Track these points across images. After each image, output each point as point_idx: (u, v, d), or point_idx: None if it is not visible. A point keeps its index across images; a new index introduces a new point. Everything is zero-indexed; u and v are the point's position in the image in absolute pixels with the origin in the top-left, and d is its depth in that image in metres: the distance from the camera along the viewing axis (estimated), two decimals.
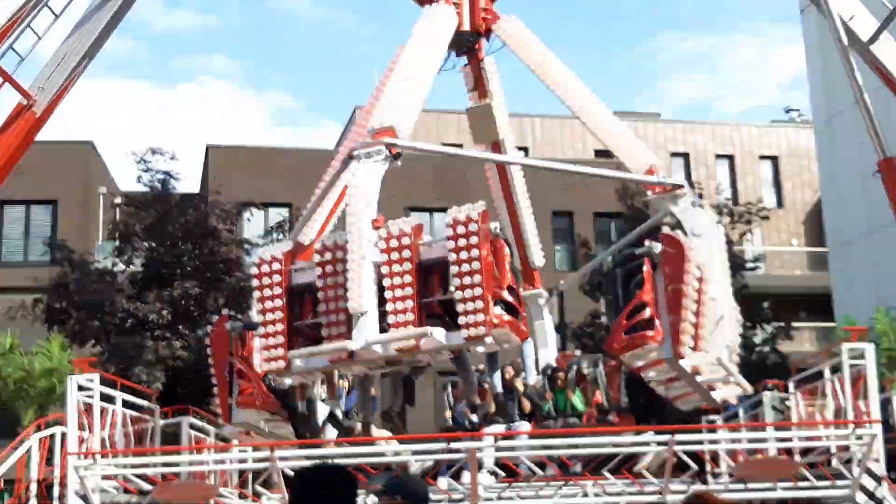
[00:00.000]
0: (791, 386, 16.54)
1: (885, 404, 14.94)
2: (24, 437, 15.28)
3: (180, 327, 25.16)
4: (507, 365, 16.16)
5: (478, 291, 11.72)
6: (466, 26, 16.70)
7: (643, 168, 15.88)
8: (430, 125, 45.16)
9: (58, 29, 17.83)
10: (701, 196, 36.77)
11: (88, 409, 14.26)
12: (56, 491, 14.56)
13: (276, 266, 12.75)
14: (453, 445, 14.24)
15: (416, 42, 15.21)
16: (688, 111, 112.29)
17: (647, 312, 12.93)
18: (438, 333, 11.95)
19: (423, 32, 15.40)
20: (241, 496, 15.80)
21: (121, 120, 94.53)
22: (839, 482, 13.39)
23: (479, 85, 17.58)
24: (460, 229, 11.92)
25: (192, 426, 17.51)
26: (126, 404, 15.53)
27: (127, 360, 23.93)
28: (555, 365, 16.19)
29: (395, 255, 12.03)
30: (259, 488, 15.67)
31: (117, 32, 18.31)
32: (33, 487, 14.88)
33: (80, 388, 14.20)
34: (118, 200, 28.21)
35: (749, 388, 15.03)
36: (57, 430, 15.27)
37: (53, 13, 17.70)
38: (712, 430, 16.15)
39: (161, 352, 24.39)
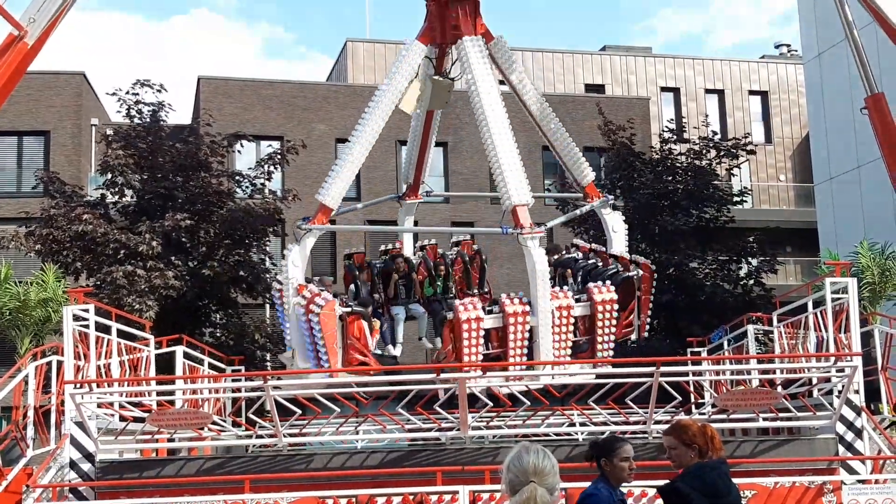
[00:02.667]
0: (774, 319, 16.71)
1: (866, 338, 15.05)
2: (20, 366, 15.34)
3: (172, 258, 25.15)
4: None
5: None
6: (437, 40, 17.63)
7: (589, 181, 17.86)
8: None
9: None
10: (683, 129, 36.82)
11: (84, 338, 14.28)
12: (53, 417, 14.71)
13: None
14: (443, 376, 14.39)
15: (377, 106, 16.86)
16: (679, 46, 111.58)
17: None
18: None
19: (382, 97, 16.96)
20: (235, 424, 15.94)
21: (113, 52, 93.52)
22: (820, 413, 13.54)
23: (440, 63, 18.32)
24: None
25: (185, 355, 17.64)
26: (121, 334, 15.59)
27: (120, 290, 23.97)
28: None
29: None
30: (252, 416, 15.84)
31: None
32: (30, 414, 14.99)
33: (76, 317, 14.20)
34: (109, 132, 27.95)
35: None
36: (53, 358, 15.38)
37: None
38: (696, 362, 16.29)
39: (154, 282, 24.40)
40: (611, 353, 15.79)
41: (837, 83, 33.90)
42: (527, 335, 15.12)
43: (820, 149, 38.09)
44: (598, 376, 14.42)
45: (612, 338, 15.88)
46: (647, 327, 17.05)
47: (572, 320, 15.52)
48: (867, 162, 31.30)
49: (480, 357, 15.02)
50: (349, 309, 15.87)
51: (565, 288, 16.16)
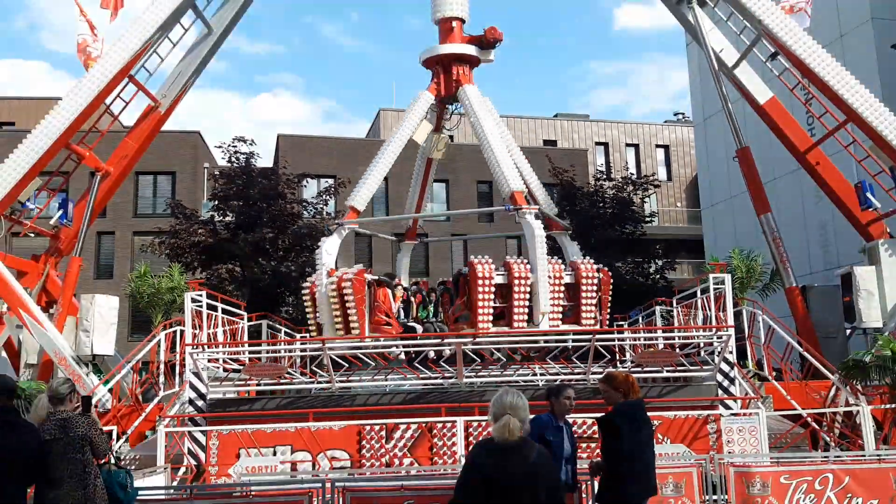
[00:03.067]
0: (674, 303, 16.67)
1: (737, 315, 15.03)
2: (154, 334, 15.35)
3: (259, 259, 25.13)
4: None
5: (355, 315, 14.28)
6: (443, 93, 17.62)
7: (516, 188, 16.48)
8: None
9: (175, 54, 17.68)
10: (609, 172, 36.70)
11: (198, 314, 14.32)
12: (177, 369, 14.71)
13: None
14: (446, 341, 14.38)
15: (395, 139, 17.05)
16: (608, 113, 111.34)
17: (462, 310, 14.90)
18: None
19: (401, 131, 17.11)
20: (302, 373, 15.91)
21: (220, 116, 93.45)
22: (705, 367, 13.52)
23: (439, 123, 18.55)
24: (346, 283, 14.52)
25: (269, 326, 17.62)
26: (224, 311, 15.60)
27: (223, 281, 23.95)
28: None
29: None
30: (315, 368, 15.80)
31: (216, 57, 18.14)
32: (161, 367, 14.98)
33: (193, 300, 14.24)
34: (216, 173, 27.93)
35: None
36: (177, 329, 15.37)
37: (171, 42, 17.50)
38: (620, 332, 16.25)
39: (247, 276, 24.37)
40: (592, 320, 15.27)
41: (717, 139, 33.86)
42: (528, 291, 14.63)
43: (705, 185, 38.01)
44: (551, 341, 14.33)
45: (594, 304, 15.25)
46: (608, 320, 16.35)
47: (562, 287, 15.12)
48: (738, 194, 31.26)
49: (491, 308, 14.54)
50: (376, 278, 15.21)
51: (556, 258, 15.69)
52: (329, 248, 15.58)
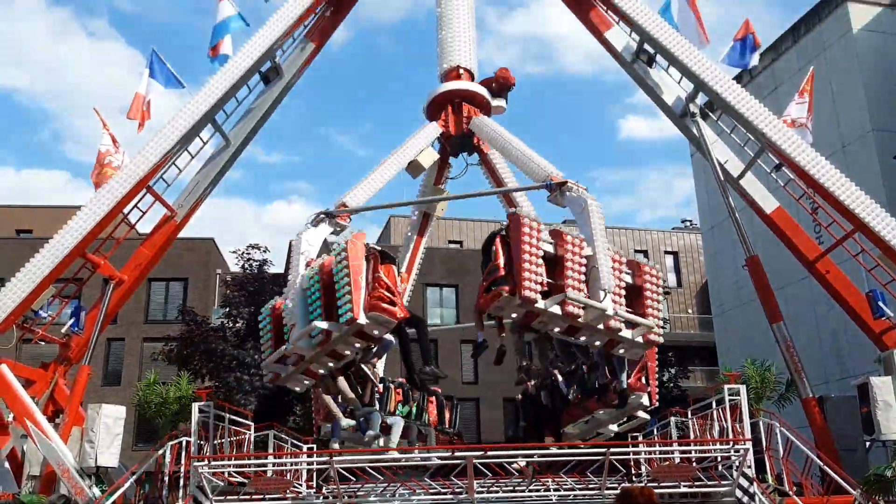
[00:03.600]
0: (689, 413, 16.36)
1: (753, 427, 14.71)
2: (161, 444, 15.10)
3: None
4: None
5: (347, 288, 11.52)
6: (452, 131, 16.80)
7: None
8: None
9: (193, 165, 18.11)
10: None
11: (205, 425, 14.12)
12: (181, 482, 14.38)
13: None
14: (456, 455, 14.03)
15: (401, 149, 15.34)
16: (616, 220, 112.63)
17: (499, 272, 11.49)
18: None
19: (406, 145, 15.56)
20: (308, 487, 15.52)
21: (234, 223, 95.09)
22: (723, 482, 13.14)
23: (440, 176, 17.70)
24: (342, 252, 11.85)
25: (275, 437, 17.30)
26: (230, 422, 15.39)
27: (231, 390, 23.74)
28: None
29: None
30: (321, 482, 15.42)
31: (232, 166, 18.54)
32: (166, 479, 14.67)
33: (200, 410, 14.08)
34: (229, 279, 28.19)
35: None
36: (183, 439, 15.12)
37: (190, 154, 17.98)
38: (635, 445, 15.87)
39: (254, 384, 24.16)
40: (657, 318, 12.93)
41: (726, 246, 34.03)
42: (583, 264, 11.84)
43: (715, 292, 37.94)
44: (567, 454, 13.81)
45: (659, 307, 12.94)
46: (657, 396, 14.81)
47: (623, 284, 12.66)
48: (749, 301, 31.17)
49: (539, 281, 11.42)
50: (378, 248, 12.34)
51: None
52: (310, 239, 13.16)
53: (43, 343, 17.68)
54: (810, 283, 24.88)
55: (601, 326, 12.08)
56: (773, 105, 20.71)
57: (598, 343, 12.54)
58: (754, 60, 18.08)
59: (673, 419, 17.54)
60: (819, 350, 28.68)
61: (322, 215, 13.53)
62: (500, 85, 17.27)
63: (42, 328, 17.10)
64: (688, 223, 54.34)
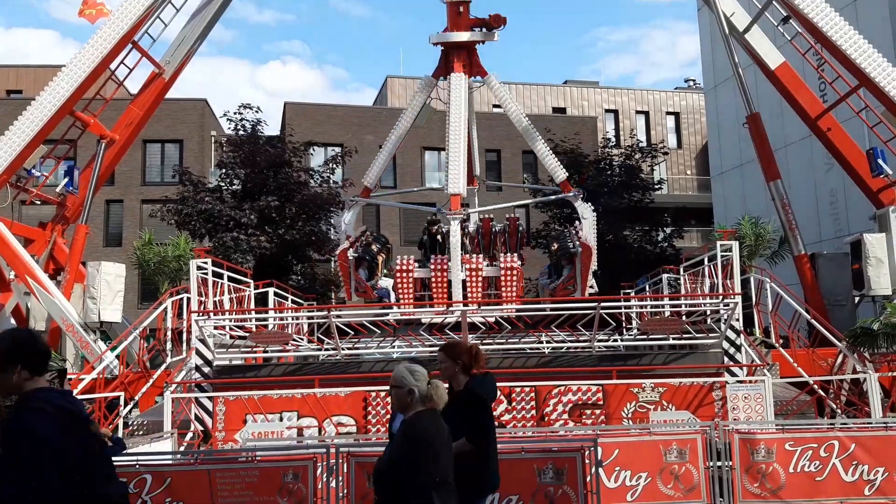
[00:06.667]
0: (681, 270, 16.56)
1: (744, 283, 14.94)
2: (161, 301, 15.37)
3: (265, 227, 25.09)
4: None
5: None
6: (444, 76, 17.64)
7: (561, 179, 17.75)
8: None
9: (179, 19, 17.48)
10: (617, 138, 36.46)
11: (204, 282, 14.31)
12: (184, 336, 14.74)
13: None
14: (451, 309, 14.34)
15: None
16: (618, 80, 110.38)
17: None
18: None
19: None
20: (308, 341, 15.91)
21: (226, 84, 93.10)
22: (711, 334, 13.44)
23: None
24: None
25: (275, 294, 17.62)
26: (230, 279, 15.59)
27: (229, 249, 23.93)
28: None
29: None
30: (321, 336, 15.80)
31: (224, 25, 17.99)
32: (168, 334, 15.02)
33: (199, 268, 14.21)
34: (223, 140, 27.82)
35: None
36: (184, 296, 15.38)
37: (175, 7, 17.30)
38: (627, 299, 16.17)
39: (252, 243, 24.34)
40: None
41: (728, 106, 33.47)
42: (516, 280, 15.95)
43: (715, 153, 37.69)
44: (559, 309, 14.20)
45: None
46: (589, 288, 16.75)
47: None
48: (748, 161, 31.01)
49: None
50: (357, 255, 16.79)
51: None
52: (347, 220, 17.95)
53: (39, 203, 17.68)
54: (810, 143, 24.66)
55: None
56: None
57: None
58: None
59: (665, 276, 17.82)
60: (816, 210, 28.80)
61: (351, 201, 18.08)
62: (494, 26, 17.38)
63: (37, 188, 17.04)
64: (691, 83, 53.26)
